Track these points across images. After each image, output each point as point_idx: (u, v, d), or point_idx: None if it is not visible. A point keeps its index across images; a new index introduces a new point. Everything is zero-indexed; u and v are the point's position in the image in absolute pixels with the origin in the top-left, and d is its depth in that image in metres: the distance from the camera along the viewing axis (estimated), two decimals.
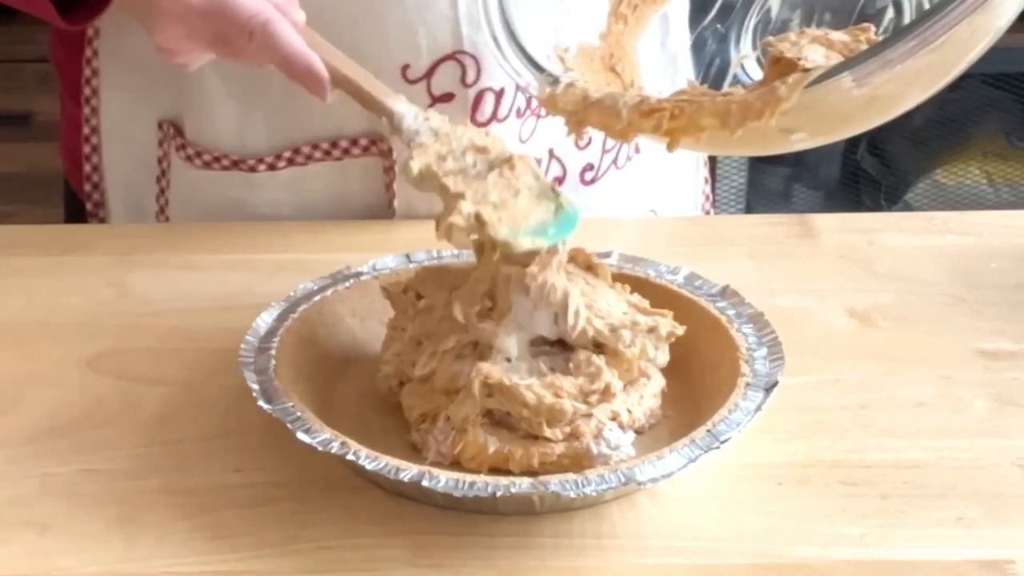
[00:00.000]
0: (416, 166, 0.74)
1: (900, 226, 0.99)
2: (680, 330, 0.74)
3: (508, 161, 0.74)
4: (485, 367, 0.70)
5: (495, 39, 0.78)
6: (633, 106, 0.71)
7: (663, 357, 0.74)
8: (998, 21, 0.65)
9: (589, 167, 1.03)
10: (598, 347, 0.72)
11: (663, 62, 0.98)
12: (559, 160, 1.02)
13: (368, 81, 0.79)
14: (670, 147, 0.71)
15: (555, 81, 0.75)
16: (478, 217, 0.71)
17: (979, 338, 0.83)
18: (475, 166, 0.74)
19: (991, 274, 0.91)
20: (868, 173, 2.41)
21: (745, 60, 0.85)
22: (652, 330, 0.73)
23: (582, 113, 0.73)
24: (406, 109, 0.77)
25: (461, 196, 0.72)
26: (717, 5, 0.88)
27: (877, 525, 0.66)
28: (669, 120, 0.69)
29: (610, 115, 0.71)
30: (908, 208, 2.34)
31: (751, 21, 0.86)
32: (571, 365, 0.72)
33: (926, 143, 2.36)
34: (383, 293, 0.79)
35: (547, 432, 0.69)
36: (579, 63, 0.79)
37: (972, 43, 0.65)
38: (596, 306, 0.73)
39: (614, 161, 1.05)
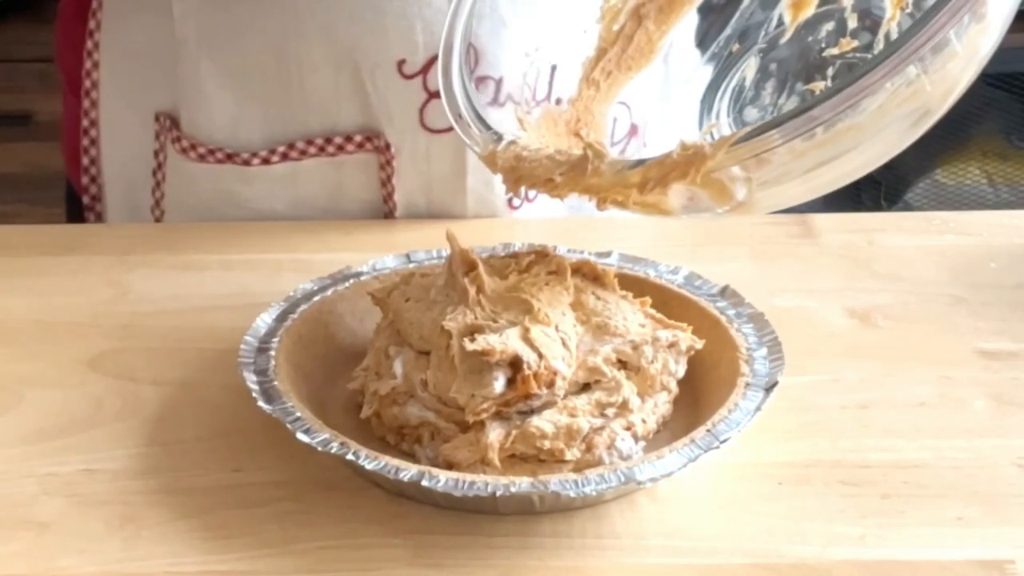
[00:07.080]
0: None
1: (900, 226, 0.99)
2: (699, 344, 0.74)
3: None
4: (495, 440, 0.67)
5: (451, 92, 0.77)
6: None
7: (682, 370, 0.74)
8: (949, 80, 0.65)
9: None
10: (620, 363, 0.72)
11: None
12: None
13: None
14: (599, 206, 0.70)
15: (499, 139, 0.75)
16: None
17: (979, 338, 0.83)
18: None
19: (991, 274, 0.91)
20: (868, 173, 2.41)
21: (714, 128, 0.84)
22: (672, 345, 0.73)
23: (519, 171, 0.73)
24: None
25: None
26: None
27: (877, 525, 0.66)
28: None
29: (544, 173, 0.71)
30: (908, 208, 2.34)
31: (727, 87, 0.85)
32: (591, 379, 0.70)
33: (926, 143, 2.33)
34: (371, 299, 0.77)
35: (567, 455, 0.68)
36: (542, 126, 0.79)
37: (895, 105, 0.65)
38: (611, 324, 0.72)
39: None
